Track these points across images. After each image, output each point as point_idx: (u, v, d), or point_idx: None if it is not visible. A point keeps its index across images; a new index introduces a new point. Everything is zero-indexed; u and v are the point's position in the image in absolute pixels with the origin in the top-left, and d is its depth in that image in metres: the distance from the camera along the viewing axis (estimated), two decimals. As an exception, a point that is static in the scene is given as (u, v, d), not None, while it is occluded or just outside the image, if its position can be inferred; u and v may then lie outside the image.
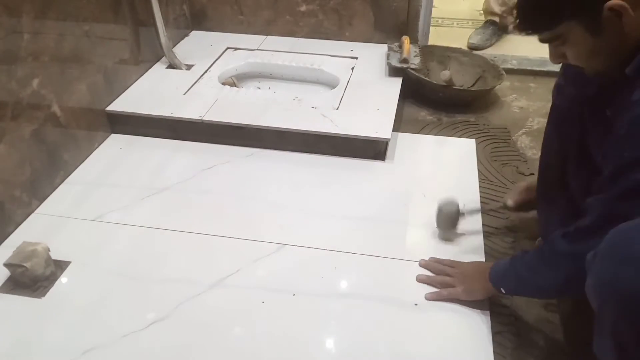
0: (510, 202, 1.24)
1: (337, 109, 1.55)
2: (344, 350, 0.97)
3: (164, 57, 1.78)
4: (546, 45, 0.86)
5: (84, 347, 0.96)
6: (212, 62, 1.82)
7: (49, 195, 1.33)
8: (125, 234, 1.22)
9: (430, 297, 1.05)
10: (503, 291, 0.97)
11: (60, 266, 1.12)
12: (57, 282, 1.09)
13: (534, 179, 1.20)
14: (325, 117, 1.51)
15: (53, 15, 1.28)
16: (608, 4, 0.73)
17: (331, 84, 1.75)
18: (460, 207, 1.17)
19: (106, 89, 1.54)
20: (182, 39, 1.98)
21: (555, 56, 0.86)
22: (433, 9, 1.92)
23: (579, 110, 0.96)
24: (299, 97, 1.61)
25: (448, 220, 1.18)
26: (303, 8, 1.92)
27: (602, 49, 0.79)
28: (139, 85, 1.67)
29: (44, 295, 1.07)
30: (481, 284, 1.01)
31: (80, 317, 1.03)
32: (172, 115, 1.53)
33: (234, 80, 1.80)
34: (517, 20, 0.83)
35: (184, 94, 1.63)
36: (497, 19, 2.19)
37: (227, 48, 1.92)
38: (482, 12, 2.26)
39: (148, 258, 1.16)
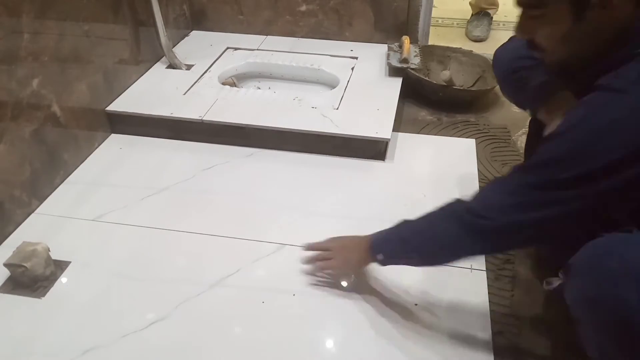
0: None
1: (337, 109, 1.55)
2: (344, 350, 0.97)
3: (164, 57, 1.78)
4: None
5: (84, 347, 0.96)
6: (212, 62, 1.82)
7: (48, 195, 1.33)
8: (125, 234, 1.22)
9: (307, 270, 1.10)
10: (380, 257, 0.97)
11: (60, 266, 1.12)
12: (57, 282, 1.09)
13: None
14: (325, 117, 1.51)
15: (53, 15, 1.28)
16: None
17: (331, 84, 1.75)
18: None
19: (106, 88, 1.54)
20: (182, 39, 1.98)
21: (524, 29, 0.81)
22: (433, 8, 1.92)
23: None
24: (298, 97, 1.61)
25: None
26: (303, 8, 1.92)
27: (576, 36, 0.78)
28: (139, 85, 1.67)
29: (43, 295, 1.07)
30: (357, 253, 1.02)
31: (80, 317, 1.03)
32: (172, 115, 1.53)
33: (234, 80, 1.80)
34: None
35: (184, 94, 1.63)
36: (489, 11, 2.30)
37: (227, 48, 1.92)
38: (471, 3, 2.33)
39: (148, 258, 1.16)
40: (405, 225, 0.96)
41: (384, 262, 0.99)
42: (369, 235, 1.00)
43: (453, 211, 0.88)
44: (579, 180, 0.72)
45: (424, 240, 0.92)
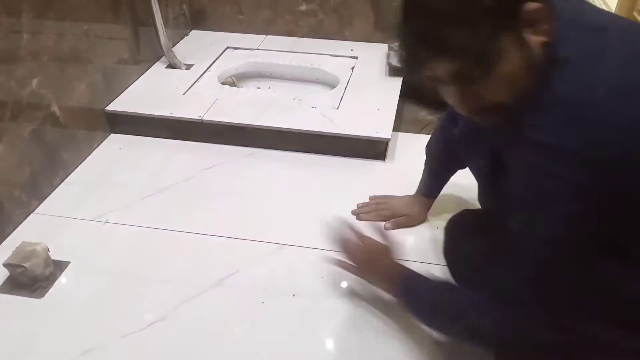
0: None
1: (337, 108, 1.55)
2: (344, 350, 0.97)
3: (163, 57, 1.77)
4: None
5: (84, 347, 0.96)
6: (211, 61, 1.82)
7: (48, 195, 1.32)
8: (124, 234, 1.22)
9: (337, 264, 1.02)
10: (401, 302, 0.93)
11: (60, 266, 1.12)
12: (56, 282, 1.09)
13: None
14: (325, 117, 1.50)
15: (52, 15, 1.28)
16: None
17: (331, 84, 1.74)
18: None
19: (105, 88, 1.54)
20: (182, 38, 1.98)
21: (465, 102, 0.72)
22: (433, 8, 1.91)
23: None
24: (298, 97, 1.61)
25: None
26: (303, 7, 1.92)
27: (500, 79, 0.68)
28: (139, 85, 1.67)
29: (43, 295, 1.07)
30: (382, 283, 0.98)
31: (80, 317, 1.02)
32: (171, 115, 1.52)
33: (234, 80, 1.80)
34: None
35: (184, 94, 1.63)
36: None
37: (227, 48, 1.92)
38: None
39: (148, 258, 1.16)
40: (442, 292, 0.86)
41: (402, 306, 0.94)
42: (400, 272, 0.93)
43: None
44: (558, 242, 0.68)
45: (455, 327, 0.85)
